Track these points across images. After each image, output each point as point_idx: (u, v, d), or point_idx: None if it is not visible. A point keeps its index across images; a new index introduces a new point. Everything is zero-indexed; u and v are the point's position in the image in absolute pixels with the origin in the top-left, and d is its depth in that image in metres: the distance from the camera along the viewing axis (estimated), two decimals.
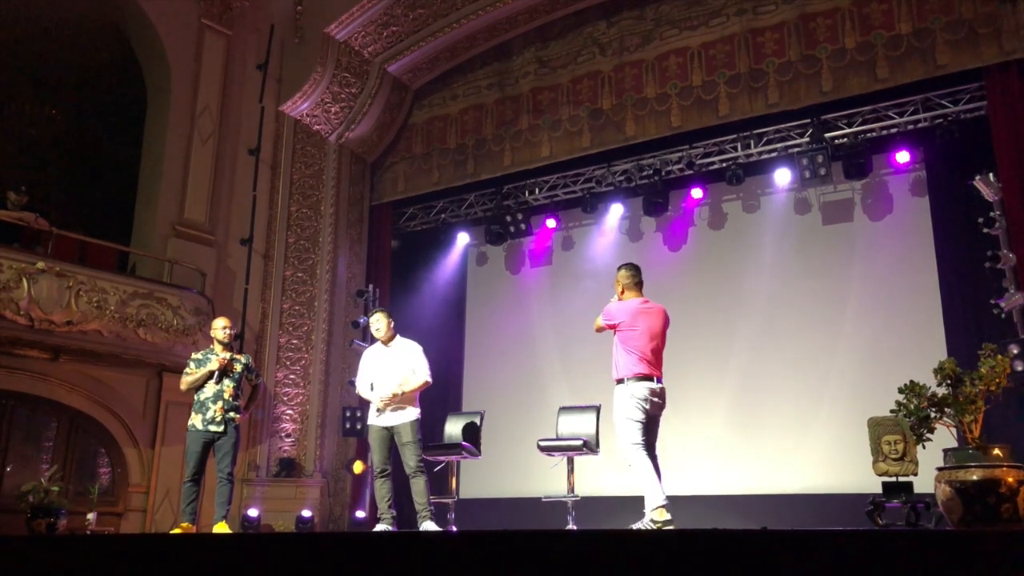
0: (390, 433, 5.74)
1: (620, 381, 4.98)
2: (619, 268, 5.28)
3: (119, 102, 10.77)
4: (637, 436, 4.88)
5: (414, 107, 11.28)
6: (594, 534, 3.80)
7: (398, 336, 6.01)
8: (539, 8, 10.21)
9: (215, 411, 5.95)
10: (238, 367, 6.13)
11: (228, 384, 6.04)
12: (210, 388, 5.99)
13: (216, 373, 5.99)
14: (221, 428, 5.95)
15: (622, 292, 5.18)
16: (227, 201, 9.98)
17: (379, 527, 5.66)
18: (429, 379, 5.86)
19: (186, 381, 6.05)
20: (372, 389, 5.87)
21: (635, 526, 4.75)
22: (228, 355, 6.08)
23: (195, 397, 6.03)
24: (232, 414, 6.00)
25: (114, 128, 10.90)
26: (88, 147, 11.12)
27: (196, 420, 5.97)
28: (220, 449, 5.97)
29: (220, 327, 6.19)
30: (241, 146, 10.23)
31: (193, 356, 6.18)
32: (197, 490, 5.95)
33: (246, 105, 10.32)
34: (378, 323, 5.94)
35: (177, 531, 5.91)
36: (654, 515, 4.72)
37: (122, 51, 10.15)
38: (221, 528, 5.85)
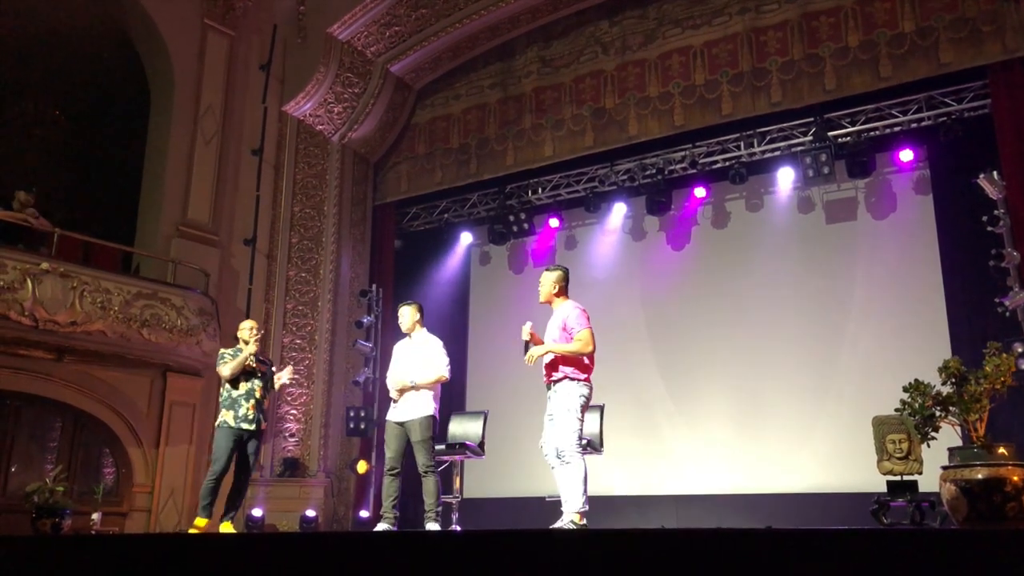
0: (403, 430, 5.70)
1: (573, 379, 4.97)
2: (558, 269, 5.29)
3: (123, 103, 10.79)
4: (580, 435, 4.96)
5: (417, 107, 11.29)
6: (597, 533, 3.79)
7: (423, 330, 5.98)
8: (541, 8, 10.20)
9: (247, 408, 5.94)
10: (266, 368, 6.17)
11: (258, 384, 6.06)
12: (243, 386, 5.99)
13: (251, 363, 6.00)
14: (252, 427, 5.95)
15: (563, 292, 5.20)
16: (230, 201, 9.98)
17: (380, 526, 5.63)
18: (445, 374, 5.80)
19: (230, 367, 5.97)
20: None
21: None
22: (257, 347, 6.09)
23: (227, 394, 6.00)
24: (261, 416, 6.02)
25: (118, 129, 10.92)
26: (92, 148, 11.14)
27: (228, 417, 5.93)
28: (249, 448, 5.99)
29: (248, 328, 6.17)
30: (244, 146, 10.24)
31: (222, 351, 6.15)
32: (219, 488, 5.92)
33: (249, 105, 10.33)
34: (403, 316, 5.93)
35: (194, 530, 5.91)
36: (574, 517, 4.74)
37: (126, 52, 10.16)
38: (226, 528, 5.86)
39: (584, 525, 4.71)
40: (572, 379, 4.98)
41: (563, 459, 4.88)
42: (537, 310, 10.97)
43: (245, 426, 5.93)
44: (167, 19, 9.68)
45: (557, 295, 5.22)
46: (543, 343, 5.16)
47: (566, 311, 5.11)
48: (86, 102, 11.08)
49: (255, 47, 10.51)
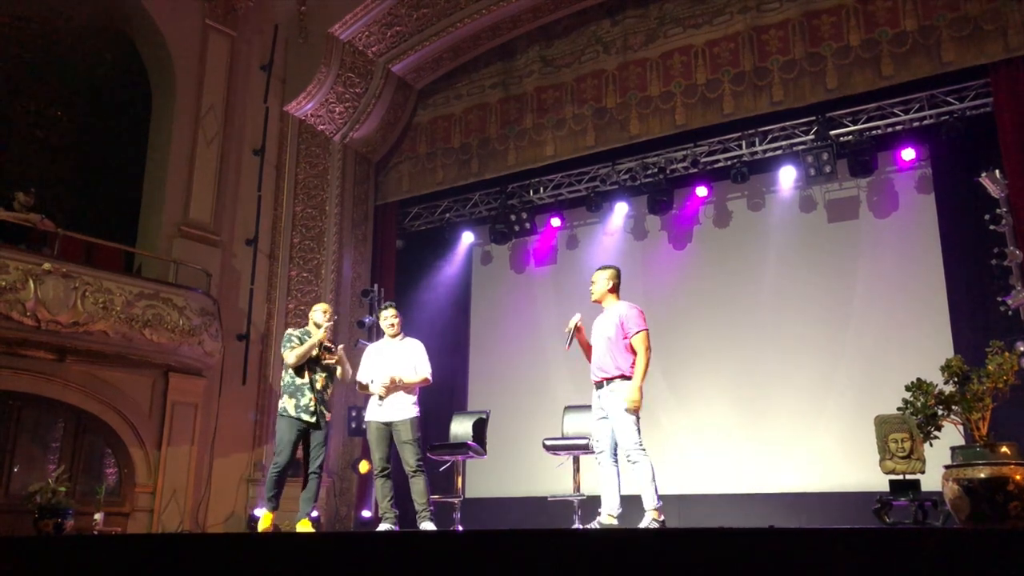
0: (389, 430, 5.75)
1: (628, 378, 4.98)
2: (611, 267, 5.31)
3: (124, 103, 10.79)
4: (640, 433, 4.96)
5: (418, 107, 11.29)
6: (600, 533, 3.79)
7: (402, 333, 6.05)
8: (543, 7, 10.20)
9: (310, 399, 5.76)
10: (331, 361, 5.95)
11: (321, 375, 5.86)
12: (306, 375, 5.80)
13: (315, 351, 5.80)
14: (313, 420, 5.76)
15: (616, 291, 5.23)
16: (232, 202, 9.98)
17: (382, 527, 5.67)
18: (430, 377, 5.87)
19: (297, 353, 5.76)
20: (372, 382, 5.87)
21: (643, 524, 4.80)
22: (328, 333, 5.87)
23: (289, 379, 5.82)
24: (323, 408, 5.82)
25: (120, 129, 10.92)
26: (94, 148, 11.14)
27: (289, 405, 5.75)
28: (313, 440, 5.80)
29: (322, 310, 5.97)
30: (246, 147, 10.24)
31: (290, 332, 5.94)
32: (284, 481, 5.77)
33: (251, 106, 10.33)
34: (394, 318, 5.95)
35: (262, 526, 5.78)
36: (654, 515, 4.82)
37: (127, 52, 10.16)
38: (304, 527, 5.65)
39: (664, 521, 4.76)
40: (627, 377, 4.98)
41: (629, 460, 4.90)
42: (540, 310, 10.97)
43: (306, 417, 5.74)
44: (168, 20, 9.68)
45: (610, 292, 5.21)
46: (585, 334, 5.23)
47: (622, 310, 5.10)
48: (88, 103, 11.08)
49: (256, 47, 10.50)
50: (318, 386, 5.84)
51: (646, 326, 5.04)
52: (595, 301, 5.27)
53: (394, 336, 5.96)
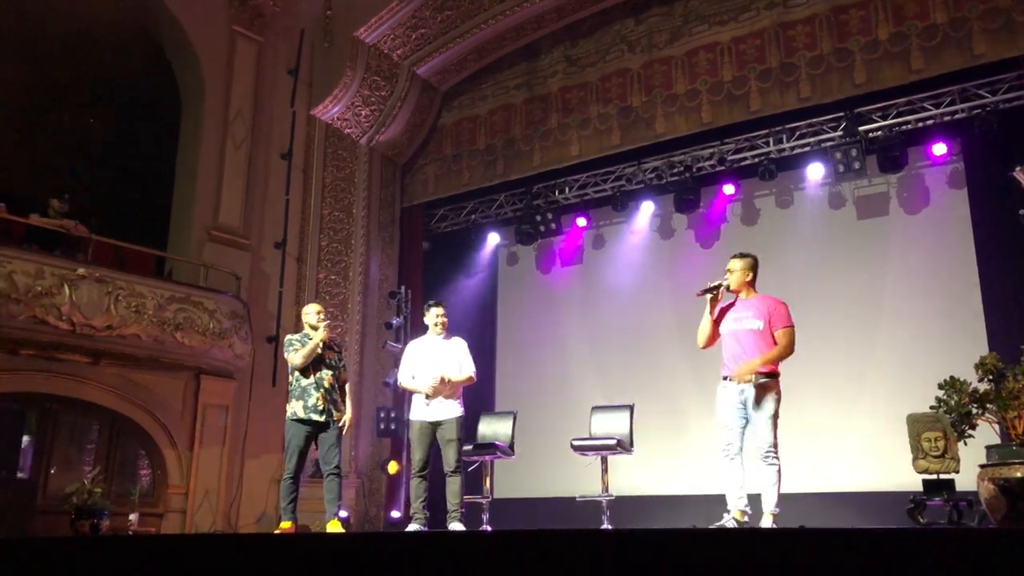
0: (433, 429, 5.74)
1: (774, 376, 4.86)
2: (749, 256, 5.16)
3: (154, 109, 10.94)
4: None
5: (443, 109, 11.33)
6: (629, 534, 3.78)
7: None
8: (567, 7, 10.19)
9: (317, 398, 5.71)
10: (335, 356, 5.94)
11: (327, 373, 5.81)
12: (311, 375, 5.77)
13: (319, 349, 5.78)
14: (323, 419, 5.72)
15: (753, 283, 5.09)
16: (260, 205, 10.09)
17: (411, 527, 5.68)
18: (474, 376, 5.88)
19: (301, 354, 5.73)
20: (414, 379, 5.86)
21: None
22: (328, 331, 5.86)
23: (296, 383, 5.79)
24: (332, 407, 5.78)
25: (150, 135, 11.08)
26: (125, 154, 11.31)
27: (297, 407, 5.71)
28: (325, 442, 5.76)
29: (314, 311, 5.93)
30: (273, 150, 10.34)
31: (289, 338, 5.94)
32: (298, 487, 5.76)
33: (278, 110, 10.43)
34: (441, 317, 5.94)
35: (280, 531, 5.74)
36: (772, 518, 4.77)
37: (156, 59, 10.31)
38: (334, 527, 5.61)
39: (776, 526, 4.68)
40: (774, 374, 4.87)
41: (766, 460, 4.82)
42: (566, 310, 10.93)
43: (315, 417, 5.70)
44: (197, 27, 9.82)
45: (748, 284, 5.08)
46: (714, 311, 5.10)
47: (770, 304, 4.96)
48: (119, 109, 11.26)
49: (283, 52, 10.60)
50: (325, 384, 5.79)
51: (792, 323, 4.89)
52: (732, 291, 5.13)
53: (439, 333, 5.96)
